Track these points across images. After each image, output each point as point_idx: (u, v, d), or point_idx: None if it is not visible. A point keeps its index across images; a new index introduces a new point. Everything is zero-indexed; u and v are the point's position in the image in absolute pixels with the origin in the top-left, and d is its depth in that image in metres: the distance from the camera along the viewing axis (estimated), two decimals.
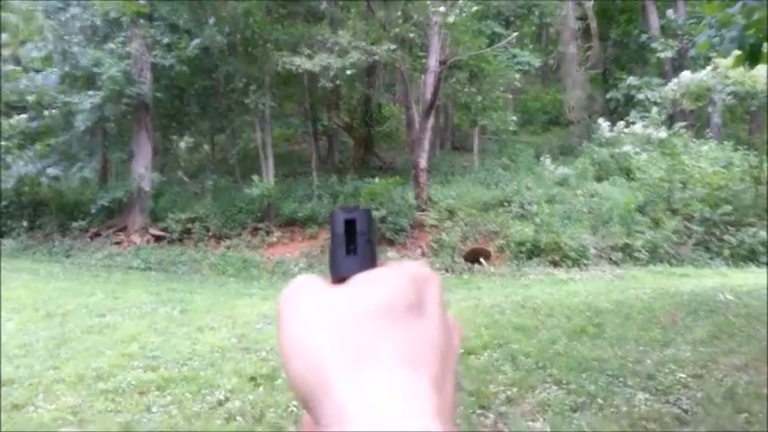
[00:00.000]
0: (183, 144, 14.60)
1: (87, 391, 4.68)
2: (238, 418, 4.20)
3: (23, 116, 15.43)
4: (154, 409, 4.36)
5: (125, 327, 6.64)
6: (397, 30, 14.14)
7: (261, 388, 4.74)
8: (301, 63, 12.98)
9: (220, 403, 4.47)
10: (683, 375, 4.85)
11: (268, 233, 13.74)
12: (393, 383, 0.30)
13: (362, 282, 0.35)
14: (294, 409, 4.29)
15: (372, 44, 13.56)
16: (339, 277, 0.36)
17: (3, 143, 15.56)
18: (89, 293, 8.58)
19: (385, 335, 0.32)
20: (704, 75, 13.93)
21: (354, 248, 0.37)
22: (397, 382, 0.30)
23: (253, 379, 4.91)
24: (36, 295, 8.27)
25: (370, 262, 0.37)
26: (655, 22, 20.26)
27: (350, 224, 0.37)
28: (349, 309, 0.33)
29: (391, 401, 0.30)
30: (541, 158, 16.06)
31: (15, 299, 7.96)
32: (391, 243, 12.86)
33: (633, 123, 16.55)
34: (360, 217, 0.38)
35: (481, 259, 11.93)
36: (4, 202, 15.77)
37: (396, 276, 0.35)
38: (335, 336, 0.32)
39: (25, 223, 15.47)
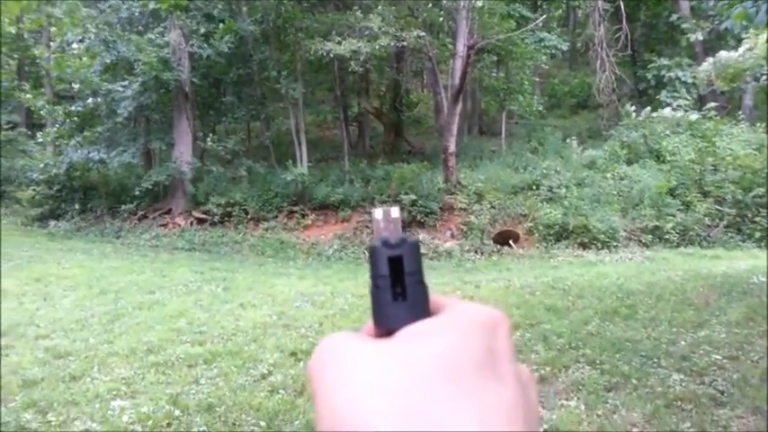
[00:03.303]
0: (210, 141, 14.92)
1: (139, 363, 4.89)
2: (281, 391, 4.33)
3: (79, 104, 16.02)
4: (202, 381, 4.53)
5: (173, 303, 6.91)
6: (426, 15, 14.14)
7: (301, 363, 4.89)
8: (332, 48, 13.11)
9: (263, 377, 4.63)
10: (718, 357, 4.80)
11: (303, 216, 14.05)
12: None
13: (416, 335, 0.29)
14: None
15: (401, 30, 13.60)
16: (386, 329, 0.30)
17: (55, 129, 16.26)
18: (139, 272, 8.91)
19: (449, 402, 0.26)
20: (741, 54, 13.61)
21: (403, 292, 0.31)
22: None
23: (293, 354, 5.09)
24: (90, 273, 8.61)
25: (423, 308, 0.31)
26: (684, 2, 19.79)
27: (395, 262, 0.31)
28: (404, 368, 0.27)
29: None
30: (568, 141, 15.95)
31: (71, 277, 8.31)
32: (421, 226, 12.99)
33: (666, 105, 16.28)
34: (408, 252, 0.31)
35: (510, 241, 11.98)
36: (56, 187, 16.53)
37: (460, 327, 0.29)
38: (388, 402, 0.26)
39: (77, 206, 16.17)
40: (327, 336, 0.32)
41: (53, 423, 3.81)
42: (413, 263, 0.31)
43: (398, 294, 0.31)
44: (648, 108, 16.25)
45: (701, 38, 18.23)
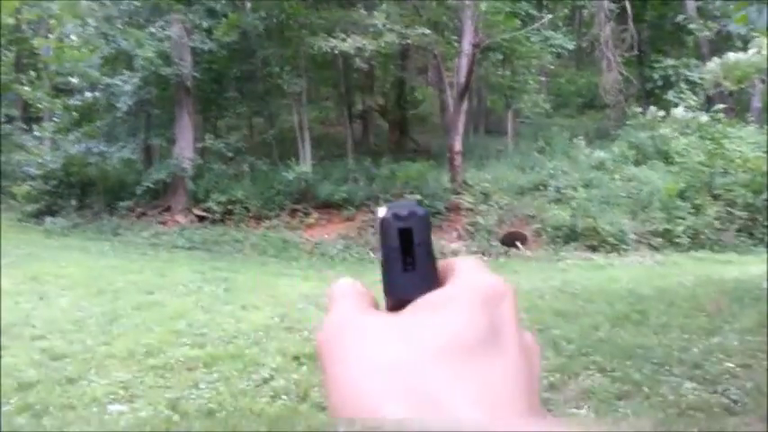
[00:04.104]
0: (209, 141, 14.83)
1: (138, 366, 4.79)
2: (283, 396, 4.25)
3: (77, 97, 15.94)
4: (201, 386, 4.43)
5: (172, 304, 6.80)
6: (431, 13, 14.06)
7: (304, 367, 4.79)
8: (336, 44, 12.99)
9: (265, 381, 4.53)
10: (731, 365, 4.73)
11: (306, 215, 13.94)
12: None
13: (425, 309, 0.29)
14: None
15: (406, 27, 13.49)
16: (396, 299, 0.31)
17: (53, 123, 16.12)
18: (137, 271, 8.81)
19: (455, 377, 0.26)
20: (750, 55, 13.44)
21: (413, 263, 0.31)
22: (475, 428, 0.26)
23: (296, 358, 4.98)
24: (87, 272, 8.50)
25: (432, 278, 0.31)
26: (691, 3, 19.64)
27: (405, 233, 0.31)
28: (410, 346, 0.27)
29: None
30: (575, 141, 15.80)
31: (68, 276, 8.20)
32: None
33: (675, 105, 16.13)
34: (417, 224, 0.31)
35: (517, 243, 11.86)
36: (53, 182, 16.34)
37: (465, 300, 0.29)
38: (395, 380, 0.26)
39: (74, 202, 15.99)
40: (335, 308, 0.32)
41: (48, 427, 3.73)
42: (422, 235, 0.31)
43: (409, 265, 0.31)
44: (654, 108, 16.10)
45: (707, 33, 18.09)
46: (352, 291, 0.33)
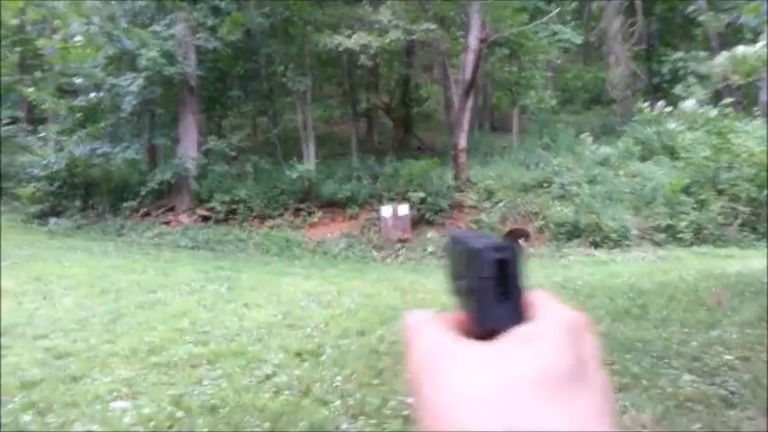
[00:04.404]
0: (212, 142, 14.83)
1: (141, 364, 4.83)
2: (285, 391, 4.28)
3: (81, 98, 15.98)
4: (205, 382, 4.46)
5: (175, 303, 6.85)
6: (437, 9, 14.00)
7: (306, 363, 4.84)
8: (341, 41, 12.97)
9: (268, 377, 4.57)
10: (729, 357, 4.74)
11: (309, 214, 13.95)
12: None
13: (519, 342, 0.31)
14: (339, 384, 4.39)
15: (411, 23, 13.45)
16: (489, 329, 0.32)
17: (57, 125, 16.16)
18: (141, 271, 8.86)
19: (553, 406, 0.28)
20: (759, 48, 13.34)
21: (506, 294, 0.32)
22: None
23: (298, 355, 5.03)
24: (91, 272, 8.55)
25: (522, 310, 0.32)
26: None
27: (502, 264, 0.32)
28: (505, 376, 0.29)
29: None
30: (581, 137, 15.73)
31: (71, 276, 8.25)
32: (430, 223, 12.89)
33: (683, 98, 16.01)
34: (512, 256, 0.32)
35: (520, 240, 11.85)
36: (57, 183, 16.41)
37: (555, 335, 0.31)
38: (491, 409, 0.28)
39: (78, 203, 16.09)
40: (427, 335, 0.33)
41: (52, 425, 3.77)
42: (517, 267, 0.32)
43: (502, 296, 0.32)
44: (662, 103, 16.00)
45: (717, 25, 17.89)
46: (437, 319, 0.35)
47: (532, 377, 0.29)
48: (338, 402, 4.08)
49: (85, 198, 16.27)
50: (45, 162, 16.14)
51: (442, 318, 0.35)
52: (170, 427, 3.75)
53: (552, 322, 0.32)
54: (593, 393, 0.30)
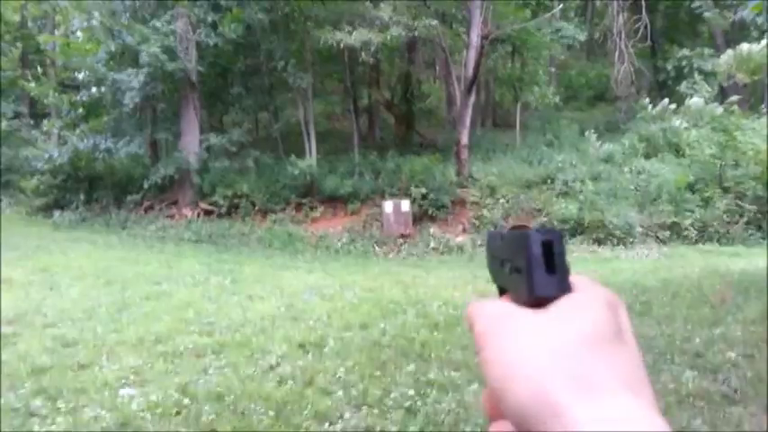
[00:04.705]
0: (212, 139, 14.83)
1: (147, 353, 4.87)
2: (289, 381, 4.32)
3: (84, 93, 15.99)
4: (210, 371, 4.52)
5: (180, 294, 6.89)
6: (439, 5, 13.98)
7: (309, 354, 4.88)
8: (342, 38, 12.95)
9: (272, 367, 4.61)
10: (732, 354, 4.72)
11: (312, 208, 13.98)
12: (623, 409, 0.31)
13: (569, 308, 0.35)
14: (342, 375, 4.43)
15: (413, 19, 13.43)
16: (538, 297, 0.36)
17: (60, 119, 16.16)
18: (145, 263, 8.91)
19: (602, 361, 0.32)
20: (763, 46, 13.30)
21: (553, 268, 0.37)
22: (629, 408, 0.31)
23: (302, 346, 5.06)
24: (96, 264, 8.61)
25: (567, 283, 0.37)
26: None
27: (547, 245, 0.37)
28: (565, 335, 0.33)
29: (626, 425, 0.30)
30: (586, 134, 15.69)
31: (77, 267, 8.31)
32: (432, 219, 12.90)
33: (689, 96, 15.96)
34: (557, 238, 0.37)
35: None
36: (61, 177, 16.49)
37: (598, 304, 0.35)
38: (557, 361, 0.32)
39: (82, 196, 16.13)
40: (488, 302, 0.39)
41: (62, 410, 3.82)
42: (561, 246, 0.37)
43: (551, 269, 0.36)
44: (666, 100, 15.95)
45: (723, 22, 17.83)
46: (495, 299, 0.40)
47: (585, 335, 0.33)
48: (341, 393, 4.12)
49: (89, 191, 16.33)
50: (48, 155, 16.14)
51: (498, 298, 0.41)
52: (177, 413, 3.80)
53: (595, 295, 0.36)
54: (632, 351, 0.35)
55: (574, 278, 0.38)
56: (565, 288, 0.36)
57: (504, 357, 0.34)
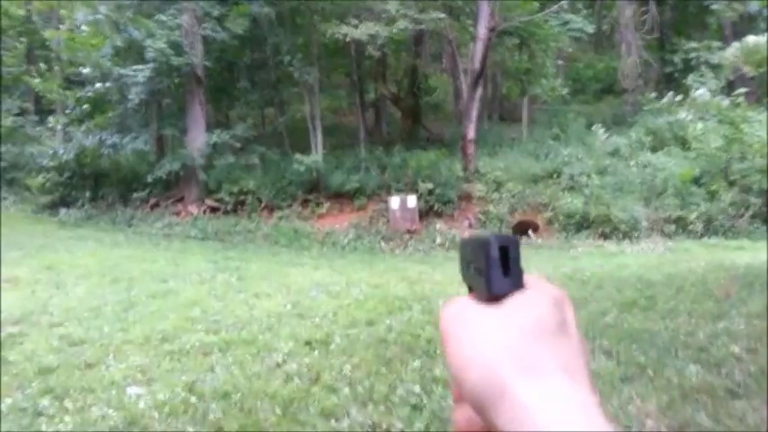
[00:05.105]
0: (217, 137, 14.79)
1: (154, 351, 4.90)
2: (296, 379, 4.33)
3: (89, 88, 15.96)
4: (217, 369, 4.53)
5: (186, 292, 6.91)
6: None
7: (316, 352, 4.89)
8: (349, 32, 12.90)
9: (278, 365, 4.63)
10: (736, 349, 4.71)
11: (318, 205, 13.96)
12: (562, 389, 0.35)
13: (520, 303, 0.40)
14: (348, 372, 4.46)
15: (419, 12, 13.38)
16: (494, 294, 0.41)
17: (65, 115, 16.14)
18: (151, 261, 8.92)
19: (546, 349, 0.37)
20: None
21: (508, 270, 0.41)
22: (566, 388, 0.36)
23: (308, 343, 5.08)
24: (102, 262, 8.62)
25: (520, 283, 0.42)
26: None
27: (504, 250, 0.42)
28: (514, 326, 0.38)
29: (565, 404, 0.35)
30: (594, 128, 15.59)
31: (83, 265, 8.32)
32: (438, 215, 12.89)
33: (697, 88, 15.84)
34: (512, 244, 0.42)
35: (529, 231, 11.85)
36: (67, 174, 16.46)
37: (545, 300, 0.40)
38: (507, 349, 0.37)
39: (88, 194, 16.13)
40: (452, 299, 0.43)
41: (70, 409, 3.85)
42: (516, 252, 0.42)
43: (506, 271, 0.41)
44: (672, 93, 15.84)
45: (731, 15, 17.65)
46: (458, 297, 0.45)
47: (531, 327, 0.38)
48: (347, 390, 4.13)
49: (95, 189, 16.31)
50: (53, 152, 16.11)
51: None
52: (184, 411, 3.81)
53: (543, 291, 0.41)
54: (574, 343, 0.40)
55: (527, 278, 0.42)
56: (518, 286, 0.41)
57: (461, 349, 0.39)
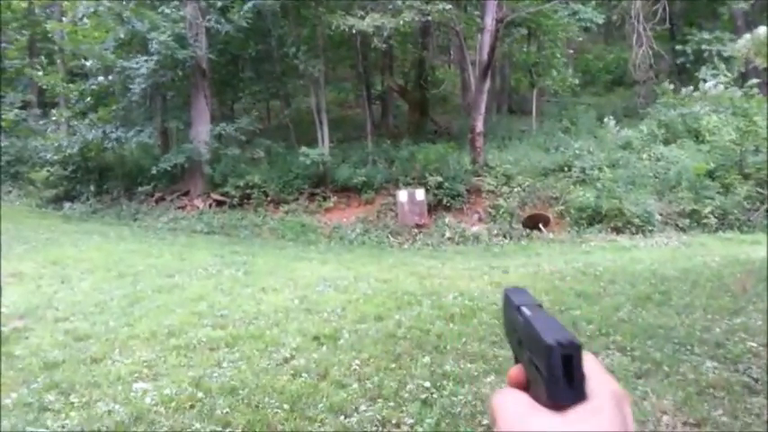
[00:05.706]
0: (221, 130, 14.69)
1: (161, 346, 4.87)
2: (304, 374, 4.30)
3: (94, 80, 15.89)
4: (224, 365, 4.50)
5: (193, 287, 6.86)
6: None
7: (324, 347, 4.85)
8: (354, 23, 12.75)
9: (286, 360, 4.59)
10: (753, 344, 4.69)
11: (325, 198, 13.85)
12: None
13: (585, 417, 0.39)
14: (357, 367, 4.39)
15: (426, 3, 13.22)
16: (560, 404, 0.40)
17: (68, 108, 16.10)
18: (157, 255, 8.88)
19: None
20: None
21: (572, 380, 0.40)
22: None
23: (316, 338, 5.03)
24: (107, 256, 8.59)
25: (584, 392, 0.40)
26: None
27: (567, 359, 0.40)
28: None
29: None
30: (605, 120, 15.38)
31: (88, 260, 8.29)
32: (447, 209, 12.79)
33: (708, 80, 15.64)
34: (576, 353, 0.40)
35: (540, 225, 11.72)
36: (71, 167, 16.44)
37: (608, 406, 0.40)
38: None
39: (93, 188, 16.13)
40: (508, 391, 0.43)
41: (76, 404, 3.84)
42: (580, 362, 0.40)
43: (570, 381, 0.40)
44: (691, 87, 15.63)
45: (743, 5, 17.40)
46: (515, 392, 0.44)
47: None
48: (356, 385, 4.10)
49: (99, 183, 16.28)
50: (57, 145, 16.01)
51: (516, 379, 0.46)
52: (191, 407, 3.81)
53: (605, 397, 0.40)
54: None
55: (587, 372, 0.41)
56: (581, 397, 0.40)
57: None
